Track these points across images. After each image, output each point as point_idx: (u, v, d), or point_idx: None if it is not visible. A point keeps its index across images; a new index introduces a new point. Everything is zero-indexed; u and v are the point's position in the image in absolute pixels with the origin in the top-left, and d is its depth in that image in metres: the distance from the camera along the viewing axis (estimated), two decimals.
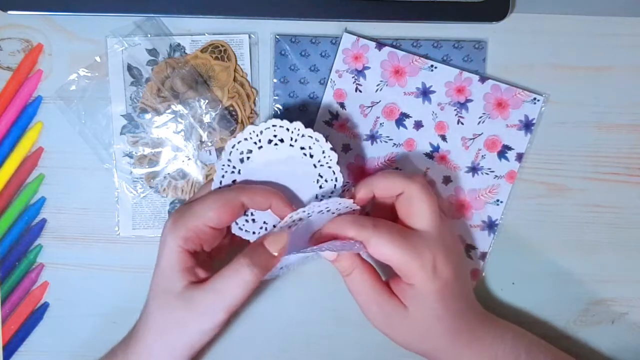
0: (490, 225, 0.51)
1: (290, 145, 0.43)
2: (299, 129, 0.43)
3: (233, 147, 0.44)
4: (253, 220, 0.44)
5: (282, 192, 0.43)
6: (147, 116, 0.50)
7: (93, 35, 0.49)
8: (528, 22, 0.50)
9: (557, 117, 0.50)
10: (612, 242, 0.51)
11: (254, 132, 0.43)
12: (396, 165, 0.50)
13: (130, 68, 0.50)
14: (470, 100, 0.50)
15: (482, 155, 0.50)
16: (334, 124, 0.50)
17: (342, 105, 0.50)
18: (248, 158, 0.44)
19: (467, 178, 0.50)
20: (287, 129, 0.43)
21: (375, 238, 0.41)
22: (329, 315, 0.51)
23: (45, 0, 0.48)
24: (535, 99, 0.50)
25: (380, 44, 0.49)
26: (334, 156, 0.43)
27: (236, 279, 0.41)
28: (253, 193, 0.42)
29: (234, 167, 0.44)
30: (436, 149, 0.50)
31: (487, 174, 0.50)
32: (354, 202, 0.42)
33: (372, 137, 0.50)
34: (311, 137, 0.43)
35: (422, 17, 0.49)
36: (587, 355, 0.51)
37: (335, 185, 0.44)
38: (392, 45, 0.50)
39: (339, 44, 0.49)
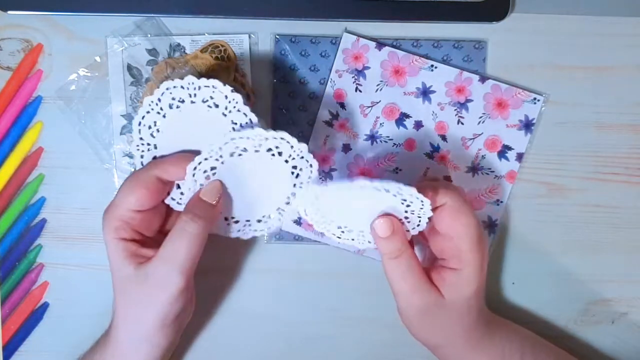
0: (490, 225, 0.51)
1: (192, 102, 0.41)
2: (192, 82, 0.41)
3: (139, 125, 0.42)
4: (183, 193, 0.43)
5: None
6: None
7: (93, 35, 0.49)
8: (528, 22, 0.50)
9: (557, 117, 0.50)
10: (612, 242, 0.51)
11: (152, 102, 0.42)
12: (396, 165, 0.50)
13: (130, 68, 0.50)
14: (470, 100, 0.50)
15: (482, 155, 0.50)
16: (334, 124, 0.50)
17: (342, 105, 0.50)
18: (158, 130, 0.42)
19: (467, 178, 0.50)
20: (182, 87, 0.41)
21: (461, 203, 0.41)
22: (329, 315, 0.51)
23: (45, 0, 0.48)
24: (535, 99, 0.50)
25: (380, 44, 0.49)
26: (238, 97, 0.41)
27: (181, 236, 0.40)
28: (165, 164, 0.42)
29: (148, 144, 0.43)
30: (436, 149, 0.50)
31: (487, 174, 0.50)
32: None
33: (372, 137, 0.50)
34: (208, 87, 0.41)
35: (422, 17, 0.49)
36: (587, 355, 0.51)
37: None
38: (392, 45, 0.50)
39: (339, 44, 0.49)
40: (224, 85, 0.41)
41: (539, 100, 0.50)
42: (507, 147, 0.50)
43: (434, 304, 0.42)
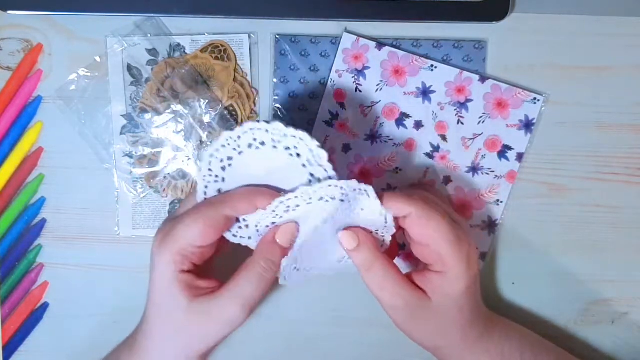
0: (490, 225, 0.51)
1: (274, 147, 0.40)
2: (279, 129, 0.39)
3: (211, 157, 0.41)
4: (247, 226, 0.42)
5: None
6: (147, 116, 0.50)
7: (93, 35, 0.49)
8: (528, 22, 0.50)
9: (557, 117, 0.50)
10: (612, 242, 0.51)
11: (231, 137, 0.40)
12: (396, 165, 0.50)
13: (130, 68, 0.50)
14: (471, 100, 0.50)
15: (482, 155, 0.50)
16: (334, 124, 0.50)
17: (342, 105, 0.50)
18: (230, 165, 0.41)
19: (467, 178, 0.50)
20: (267, 131, 0.39)
21: (426, 210, 0.41)
22: (329, 315, 0.51)
23: (45, 0, 0.48)
24: (535, 99, 0.50)
25: (380, 44, 0.49)
26: (323, 154, 0.40)
27: (249, 275, 0.40)
28: (234, 201, 0.41)
29: (216, 176, 0.42)
30: (436, 149, 0.50)
31: (487, 174, 0.50)
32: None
33: (372, 137, 0.50)
34: (295, 137, 0.39)
35: (422, 17, 0.49)
36: (587, 355, 0.51)
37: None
38: (392, 45, 0.50)
39: (339, 44, 0.49)
40: (312, 139, 0.39)
41: (539, 100, 0.50)
42: (507, 147, 0.50)
43: (420, 307, 0.42)
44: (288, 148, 0.40)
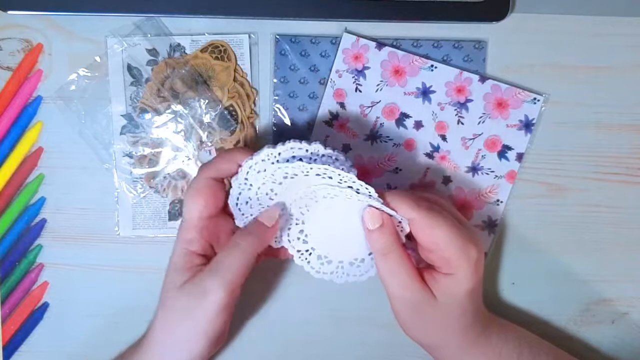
0: (490, 225, 0.51)
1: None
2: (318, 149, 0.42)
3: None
4: (247, 203, 0.44)
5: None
6: (147, 116, 0.50)
7: (93, 35, 0.49)
8: (528, 22, 0.50)
9: (557, 117, 0.50)
10: (612, 242, 0.51)
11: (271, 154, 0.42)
12: (396, 166, 0.50)
13: (130, 68, 0.50)
14: (470, 100, 0.50)
15: (482, 155, 0.50)
16: (334, 124, 0.50)
17: (342, 105, 0.50)
18: (276, 194, 0.43)
19: (467, 178, 0.50)
20: (307, 150, 0.42)
21: (430, 218, 0.41)
22: (329, 315, 0.51)
23: (45, 0, 0.48)
24: (535, 99, 0.50)
25: (380, 44, 0.49)
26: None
27: (232, 252, 0.41)
28: (215, 163, 0.43)
29: (251, 185, 0.43)
30: (436, 149, 0.50)
31: (487, 174, 0.50)
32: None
33: (372, 137, 0.50)
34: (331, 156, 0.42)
35: (422, 17, 0.49)
36: (587, 355, 0.51)
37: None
38: (392, 45, 0.50)
39: (339, 44, 0.49)
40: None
41: (539, 100, 0.50)
42: (507, 147, 0.50)
43: (425, 304, 0.42)
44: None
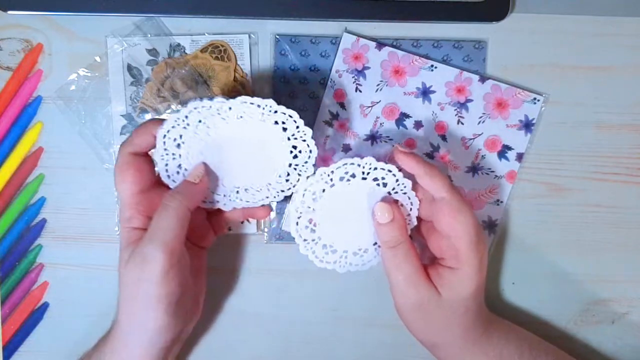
0: (490, 225, 0.51)
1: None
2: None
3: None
4: (177, 159, 0.44)
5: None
6: (147, 116, 0.50)
7: (93, 35, 0.49)
8: (528, 22, 0.50)
9: (557, 117, 0.50)
10: (612, 242, 0.51)
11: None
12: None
13: (130, 68, 0.50)
14: (470, 100, 0.50)
15: (482, 155, 0.50)
16: (334, 124, 0.50)
17: (342, 105, 0.50)
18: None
19: (467, 178, 0.50)
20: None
21: (460, 202, 0.41)
22: (329, 315, 0.51)
23: (45, 0, 0.48)
24: (535, 99, 0.50)
25: (380, 44, 0.49)
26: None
27: (162, 214, 0.41)
28: (131, 139, 0.43)
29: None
30: (436, 149, 0.50)
31: (487, 174, 0.50)
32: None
33: (372, 137, 0.50)
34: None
35: (422, 17, 0.49)
36: (587, 355, 0.51)
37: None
38: (392, 45, 0.50)
39: (339, 44, 0.49)
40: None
41: (539, 100, 0.50)
42: (507, 147, 0.50)
43: (429, 300, 0.42)
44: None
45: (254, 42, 0.50)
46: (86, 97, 0.50)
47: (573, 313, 0.51)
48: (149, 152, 0.44)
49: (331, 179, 0.43)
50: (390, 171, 0.43)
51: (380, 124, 0.50)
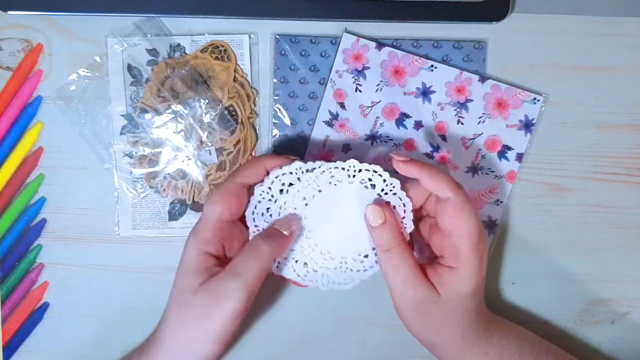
0: (490, 225, 0.51)
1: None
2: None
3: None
4: (269, 213, 0.44)
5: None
6: (147, 116, 0.50)
7: (93, 35, 0.49)
8: (528, 22, 0.50)
9: (557, 117, 0.50)
10: (612, 242, 0.51)
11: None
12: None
13: (130, 68, 0.50)
14: (470, 100, 0.50)
15: (482, 155, 0.50)
16: (334, 124, 0.50)
17: (342, 105, 0.50)
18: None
19: (467, 178, 0.50)
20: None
21: (465, 202, 0.41)
22: (330, 316, 0.51)
23: (45, 0, 0.48)
24: (535, 99, 0.50)
25: (380, 44, 0.49)
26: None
27: (251, 255, 0.41)
28: (245, 169, 0.44)
29: (271, 196, 0.44)
30: (436, 149, 0.50)
31: (487, 174, 0.50)
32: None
33: (372, 137, 0.50)
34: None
35: (422, 17, 0.49)
36: (587, 355, 0.51)
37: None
38: (392, 45, 0.50)
39: (339, 44, 0.49)
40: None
41: (538, 100, 0.50)
42: (507, 147, 0.50)
43: (428, 300, 0.42)
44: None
45: (254, 42, 0.50)
46: (86, 97, 0.50)
47: (573, 313, 0.51)
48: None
49: (317, 185, 0.43)
50: (375, 172, 0.42)
51: (380, 124, 0.50)
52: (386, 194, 0.43)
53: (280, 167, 0.43)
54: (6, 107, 0.50)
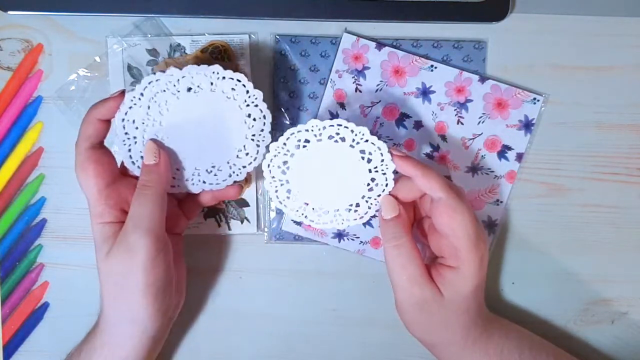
0: (490, 225, 0.51)
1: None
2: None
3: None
4: (134, 138, 0.44)
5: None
6: None
7: (93, 35, 0.50)
8: (528, 22, 0.50)
9: (557, 117, 0.50)
10: (612, 242, 0.51)
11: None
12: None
13: (130, 68, 0.50)
14: (470, 100, 0.50)
15: (482, 155, 0.50)
16: None
17: (342, 105, 0.50)
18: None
19: (467, 178, 0.50)
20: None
21: (458, 202, 0.41)
22: (329, 315, 0.51)
23: (45, 0, 0.48)
24: (535, 99, 0.50)
25: (380, 44, 0.49)
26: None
27: (140, 200, 0.41)
28: (81, 132, 0.43)
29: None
30: (436, 149, 0.50)
31: (487, 174, 0.50)
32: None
33: None
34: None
35: (422, 17, 0.49)
36: (587, 355, 0.51)
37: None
38: (392, 45, 0.50)
39: (339, 44, 0.49)
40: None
41: (538, 100, 0.50)
42: (506, 147, 0.50)
43: (431, 300, 0.42)
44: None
45: (254, 42, 0.50)
46: (86, 97, 0.50)
47: (573, 313, 0.51)
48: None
49: (288, 150, 0.43)
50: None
51: (380, 124, 0.50)
52: (358, 143, 0.43)
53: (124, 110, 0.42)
54: (6, 107, 0.50)
